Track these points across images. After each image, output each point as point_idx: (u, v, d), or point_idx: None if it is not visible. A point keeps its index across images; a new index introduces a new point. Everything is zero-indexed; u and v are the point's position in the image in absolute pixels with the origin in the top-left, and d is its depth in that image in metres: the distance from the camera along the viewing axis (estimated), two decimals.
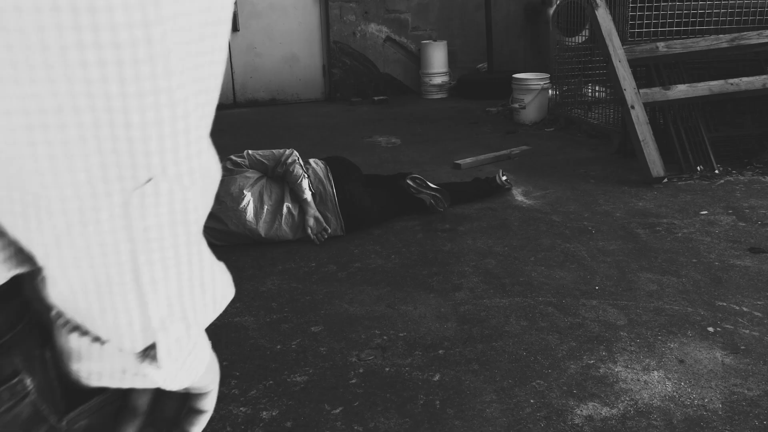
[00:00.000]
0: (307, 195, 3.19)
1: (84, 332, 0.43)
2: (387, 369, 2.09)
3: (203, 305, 0.43)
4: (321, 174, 3.30)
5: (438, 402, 1.91)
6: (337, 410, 1.89)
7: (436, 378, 2.03)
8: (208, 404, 0.52)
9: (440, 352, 2.18)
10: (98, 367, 0.44)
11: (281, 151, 3.26)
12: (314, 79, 7.68)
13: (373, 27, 7.56)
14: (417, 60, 7.65)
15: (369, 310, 2.50)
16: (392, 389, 1.98)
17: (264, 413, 1.89)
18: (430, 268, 2.85)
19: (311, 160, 3.38)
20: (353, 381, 2.03)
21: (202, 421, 0.51)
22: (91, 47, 0.33)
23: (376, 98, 7.27)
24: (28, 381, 0.42)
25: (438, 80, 7.40)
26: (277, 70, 7.47)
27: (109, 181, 0.36)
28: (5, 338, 0.40)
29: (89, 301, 0.39)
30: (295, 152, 3.28)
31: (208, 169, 0.40)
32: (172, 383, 0.46)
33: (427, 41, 7.49)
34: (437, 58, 7.36)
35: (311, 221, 3.18)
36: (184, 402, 0.51)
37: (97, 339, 0.43)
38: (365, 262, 2.95)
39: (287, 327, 2.39)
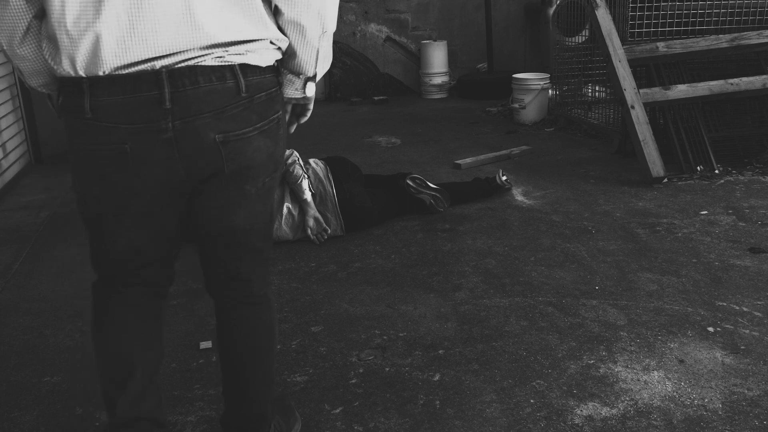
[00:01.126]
0: (307, 195, 3.19)
1: (287, 72, 1.43)
2: (387, 369, 2.09)
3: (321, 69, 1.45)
4: (321, 174, 3.29)
5: (438, 402, 1.91)
6: (337, 410, 1.89)
7: (436, 378, 2.03)
8: (310, 105, 1.53)
9: (440, 352, 2.18)
10: (291, 91, 1.45)
11: None
12: None
13: (373, 27, 7.56)
14: (417, 60, 7.65)
15: (369, 310, 2.50)
16: (392, 389, 1.98)
17: None
18: (430, 268, 2.85)
19: (311, 160, 3.38)
20: (353, 381, 2.04)
21: (308, 113, 1.54)
22: None
23: (376, 98, 7.26)
24: (281, 89, 1.43)
25: (438, 80, 7.39)
26: None
27: None
28: (275, 84, 1.41)
29: (297, 64, 1.42)
30: (295, 152, 3.28)
31: None
32: (311, 94, 1.47)
33: (427, 41, 7.49)
34: (437, 58, 7.35)
35: (311, 222, 3.18)
36: (307, 104, 1.52)
37: (292, 74, 1.44)
38: (365, 262, 2.95)
39: (287, 327, 2.39)
